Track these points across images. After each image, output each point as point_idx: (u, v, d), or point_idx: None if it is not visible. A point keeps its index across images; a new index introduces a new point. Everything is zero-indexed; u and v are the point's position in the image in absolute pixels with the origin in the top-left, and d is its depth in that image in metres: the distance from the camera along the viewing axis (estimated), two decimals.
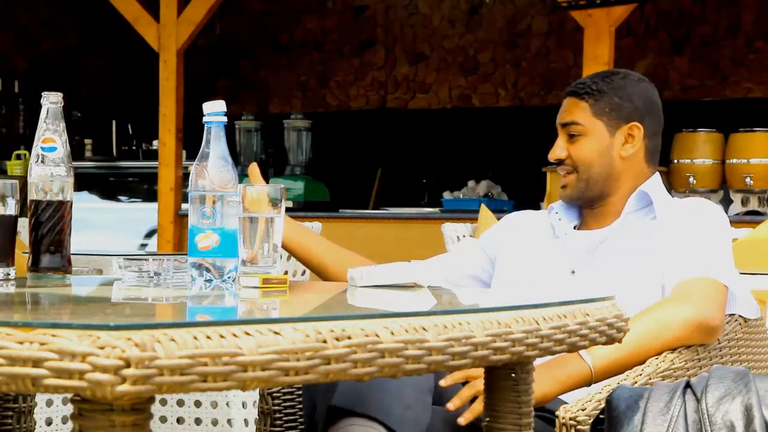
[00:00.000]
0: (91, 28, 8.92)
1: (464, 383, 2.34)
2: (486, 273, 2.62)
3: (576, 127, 2.49)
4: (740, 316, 2.41)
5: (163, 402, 3.60)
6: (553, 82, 7.81)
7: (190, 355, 1.15)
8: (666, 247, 2.38)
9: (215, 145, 1.98)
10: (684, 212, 2.44)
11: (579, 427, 2.00)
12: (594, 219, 2.54)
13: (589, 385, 2.21)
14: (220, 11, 7.46)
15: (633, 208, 2.48)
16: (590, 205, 2.53)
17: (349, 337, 1.28)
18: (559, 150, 2.52)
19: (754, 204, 5.81)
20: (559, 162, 2.52)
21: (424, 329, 1.37)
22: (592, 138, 2.49)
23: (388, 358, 1.31)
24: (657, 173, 2.54)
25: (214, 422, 3.57)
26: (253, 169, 2.52)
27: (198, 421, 3.59)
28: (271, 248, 1.95)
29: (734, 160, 5.83)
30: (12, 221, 1.96)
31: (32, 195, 1.93)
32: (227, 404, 3.56)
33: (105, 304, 1.71)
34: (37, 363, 1.13)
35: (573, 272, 2.46)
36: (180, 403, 3.60)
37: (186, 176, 6.57)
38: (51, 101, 1.95)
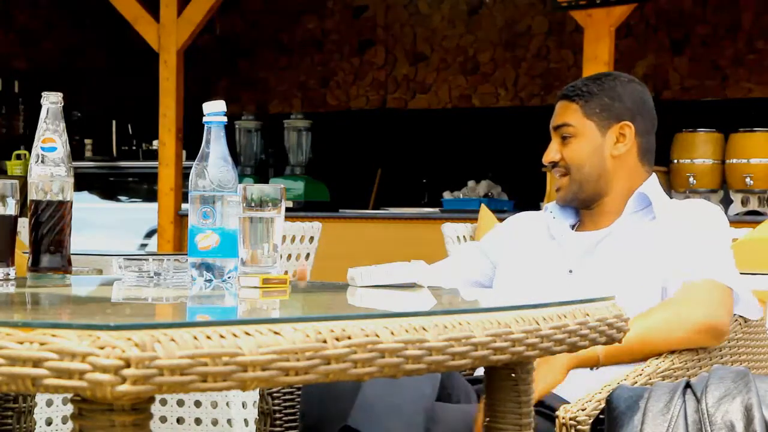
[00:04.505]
0: (91, 28, 8.92)
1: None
2: (487, 277, 2.62)
3: (567, 129, 2.52)
4: (740, 316, 2.41)
5: (163, 402, 3.60)
6: (553, 82, 7.81)
7: (190, 355, 1.15)
8: (667, 249, 2.38)
9: (215, 145, 1.98)
10: (685, 214, 2.45)
11: (579, 427, 2.00)
12: (591, 220, 2.54)
13: (595, 367, 2.23)
14: (220, 11, 7.46)
15: (632, 209, 2.48)
16: (586, 206, 2.54)
17: (349, 337, 1.28)
18: (552, 153, 2.54)
19: (754, 204, 5.81)
20: (554, 165, 2.54)
21: (424, 329, 1.37)
22: (584, 138, 2.51)
23: (388, 358, 1.31)
24: (654, 174, 2.55)
25: (214, 422, 3.57)
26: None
27: (198, 421, 3.59)
28: (271, 248, 1.94)
29: (734, 160, 5.82)
30: (12, 221, 1.95)
31: (32, 195, 1.93)
32: (227, 404, 3.56)
33: (105, 304, 1.71)
34: (37, 363, 1.13)
35: (570, 271, 2.46)
36: (180, 403, 3.60)
37: (186, 176, 6.53)
38: (51, 101, 1.95)
